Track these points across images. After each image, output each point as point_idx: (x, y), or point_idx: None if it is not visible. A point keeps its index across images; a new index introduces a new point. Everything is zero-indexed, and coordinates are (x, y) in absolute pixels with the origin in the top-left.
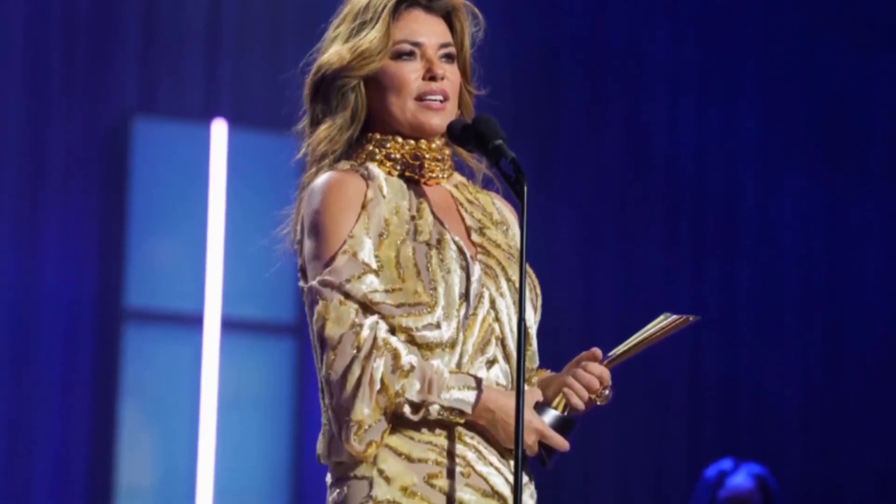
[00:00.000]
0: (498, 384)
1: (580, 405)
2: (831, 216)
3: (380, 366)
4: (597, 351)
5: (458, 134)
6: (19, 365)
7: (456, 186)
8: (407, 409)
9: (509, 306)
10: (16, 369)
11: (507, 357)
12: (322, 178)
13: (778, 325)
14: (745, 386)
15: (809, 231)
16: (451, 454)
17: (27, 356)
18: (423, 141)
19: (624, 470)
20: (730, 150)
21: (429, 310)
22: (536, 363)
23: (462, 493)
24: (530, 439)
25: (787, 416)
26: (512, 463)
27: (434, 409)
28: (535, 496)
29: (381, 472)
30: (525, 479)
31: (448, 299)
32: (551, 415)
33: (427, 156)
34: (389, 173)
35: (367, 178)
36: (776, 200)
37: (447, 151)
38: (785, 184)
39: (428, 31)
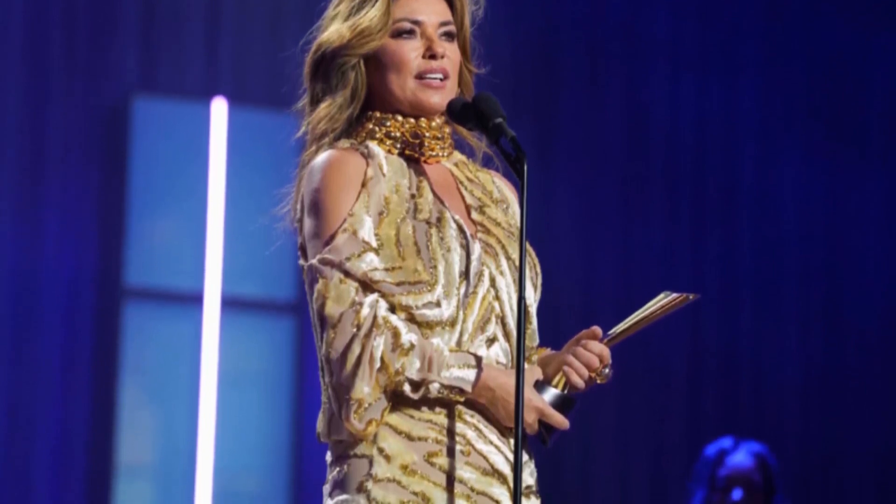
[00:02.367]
0: (498, 362)
1: (580, 383)
2: (831, 193)
3: (380, 344)
4: (597, 329)
5: (457, 112)
6: (19, 343)
7: (456, 165)
8: (407, 388)
9: (509, 284)
10: (16, 347)
11: (506, 335)
12: (322, 157)
13: (778, 303)
14: (745, 364)
15: (809, 208)
16: (451, 432)
17: (27, 335)
18: (422, 119)
19: (624, 448)
20: (730, 127)
21: (429, 288)
22: (536, 341)
23: (462, 471)
24: (530, 417)
25: (787, 394)
26: (512, 441)
27: (434, 388)
28: (534, 474)
29: (381, 450)
30: (525, 457)
31: (448, 277)
32: (551, 393)
33: (427, 134)
34: (389, 151)
35: (367, 156)
36: (776, 177)
37: (447, 130)
38: (785, 161)
39: (428, 9)
